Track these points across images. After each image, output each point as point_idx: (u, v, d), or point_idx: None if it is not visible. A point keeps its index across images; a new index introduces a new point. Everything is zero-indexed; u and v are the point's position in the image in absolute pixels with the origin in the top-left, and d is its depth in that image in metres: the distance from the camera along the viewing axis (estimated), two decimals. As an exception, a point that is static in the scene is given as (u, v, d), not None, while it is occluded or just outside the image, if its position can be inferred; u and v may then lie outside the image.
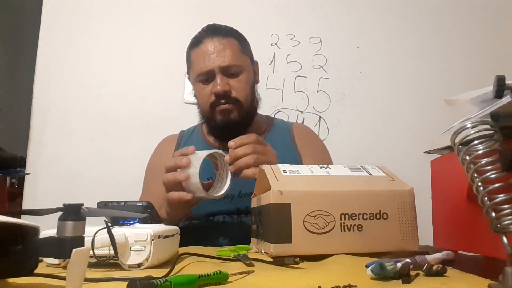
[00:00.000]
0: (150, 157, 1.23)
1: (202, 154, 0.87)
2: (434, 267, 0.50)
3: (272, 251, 0.61)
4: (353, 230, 0.63)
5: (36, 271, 0.43)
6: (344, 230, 0.63)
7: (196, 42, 1.12)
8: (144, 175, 1.22)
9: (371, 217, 0.64)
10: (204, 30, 1.13)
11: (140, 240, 0.55)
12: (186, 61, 1.17)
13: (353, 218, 0.63)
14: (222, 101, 1.07)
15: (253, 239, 0.80)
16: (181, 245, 0.69)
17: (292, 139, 1.18)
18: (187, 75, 1.20)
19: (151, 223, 0.72)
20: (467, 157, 0.44)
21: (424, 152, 0.75)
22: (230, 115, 1.08)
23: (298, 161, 1.12)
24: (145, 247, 0.55)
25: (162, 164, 1.14)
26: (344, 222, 0.63)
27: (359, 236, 0.63)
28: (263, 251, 0.68)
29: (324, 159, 1.19)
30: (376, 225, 0.64)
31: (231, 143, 0.89)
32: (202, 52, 1.09)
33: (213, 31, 1.11)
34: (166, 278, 0.41)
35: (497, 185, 0.42)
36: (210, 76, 1.08)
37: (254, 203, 0.79)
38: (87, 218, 0.45)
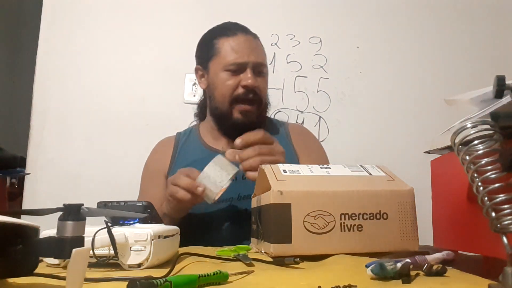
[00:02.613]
0: (146, 160, 1.22)
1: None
2: (434, 267, 0.50)
3: (272, 251, 0.61)
4: (353, 230, 0.63)
5: (36, 271, 0.43)
6: (344, 230, 0.63)
7: (227, 31, 1.11)
8: (141, 177, 1.21)
9: (371, 217, 0.64)
10: (233, 24, 1.14)
11: (140, 240, 0.55)
12: (207, 49, 1.13)
13: (353, 218, 0.63)
14: (250, 95, 1.07)
15: (253, 239, 0.80)
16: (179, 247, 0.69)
17: (289, 139, 1.18)
18: (199, 66, 1.17)
19: (151, 223, 0.72)
20: (467, 157, 0.44)
21: (424, 152, 0.75)
22: (251, 116, 1.09)
23: (295, 160, 1.12)
24: (145, 247, 0.55)
25: (160, 167, 1.14)
26: (344, 222, 0.63)
27: (359, 236, 0.63)
28: (263, 251, 0.68)
29: (320, 158, 1.18)
30: (376, 225, 0.64)
31: (237, 141, 0.89)
32: (237, 43, 1.09)
33: (244, 28, 1.13)
34: (166, 278, 0.41)
35: (497, 185, 0.42)
36: (240, 68, 1.07)
37: (254, 203, 0.79)
38: (87, 218, 0.45)
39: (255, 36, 1.13)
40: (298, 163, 1.12)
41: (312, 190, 0.65)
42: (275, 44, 1.72)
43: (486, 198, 0.42)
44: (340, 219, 0.63)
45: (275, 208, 0.62)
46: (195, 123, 1.27)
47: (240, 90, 1.07)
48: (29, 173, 1.51)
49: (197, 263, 0.59)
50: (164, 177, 1.12)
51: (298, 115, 1.69)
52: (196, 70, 1.19)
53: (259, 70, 1.10)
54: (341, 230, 0.63)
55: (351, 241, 0.62)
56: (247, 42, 1.09)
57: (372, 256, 0.60)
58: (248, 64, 1.07)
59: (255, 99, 1.09)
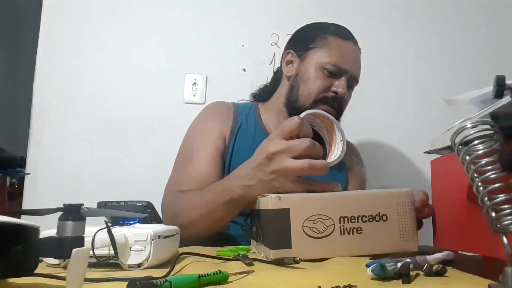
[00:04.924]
0: (196, 119, 1.14)
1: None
2: (434, 267, 0.50)
3: (272, 257, 0.61)
4: (353, 233, 0.63)
5: (36, 271, 0.43)
6: (344, 233, 0.63)
7: (341, 33, 1.09)
8: (185, 139, 1.11)
9: (370, 219, 0.64)
10: (347, 30, 1.11)
11: (140, 240, 0.55)
12: (312, 38, 1.09)
13: (352, 221, 0.63)
14: (335, 103, 1.05)
15: (252, 241, 0.80)
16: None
17: (344, 164, 1.17)
18: (293, 51, 1.12)
19: (151, 223, 0.72)
20: (467, 157, 0.44)
21: (424, 152, 0.75)
22: None
23: (344, 186, 1.11)
24: (145, 247, 0.55)
25: (220, 129, 1.06)
26: (343, 225, 0.63)
27: (358, 239, 0.63)
28: (263, 255, 0.68)
29: (362, 183, 1.20)
30: (375, 227, 0.63)
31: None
32: (346, 48, 1.07)
33: (355, 40, 1.11)
34: (166, 278, 0.41)
35: (497, 185, 0.42)
36: (337, 73, 1.05)
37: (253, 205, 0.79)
38: (87, 218, 0.45)
39: (360, 51, 1.12)
40: (346, 189, 1.13)
41: (310, 194, 0.65)
42: (275, 44, 1.71)
43: (486, 198, 0.42)
44: (339, 222, 0.63)
45: (274, 214, 0.62)
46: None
47: (330, 94, 1.04)
48: (29, 173, 1.51)
49: (197, 263, 0.59)
50: (222, 142, 1.06)
51: (298, 115, 1.69)
52: (287, 54, 1.14)
53: (351, 83, 1.08)
54: (341, 234, 0.62)
55: (351, 244, 0.62)
56: (355, 52, 1.08)
57: (372, 258, 0.60)
58: (347, 73, 1.05)
59: (337, 109, 1.06)
